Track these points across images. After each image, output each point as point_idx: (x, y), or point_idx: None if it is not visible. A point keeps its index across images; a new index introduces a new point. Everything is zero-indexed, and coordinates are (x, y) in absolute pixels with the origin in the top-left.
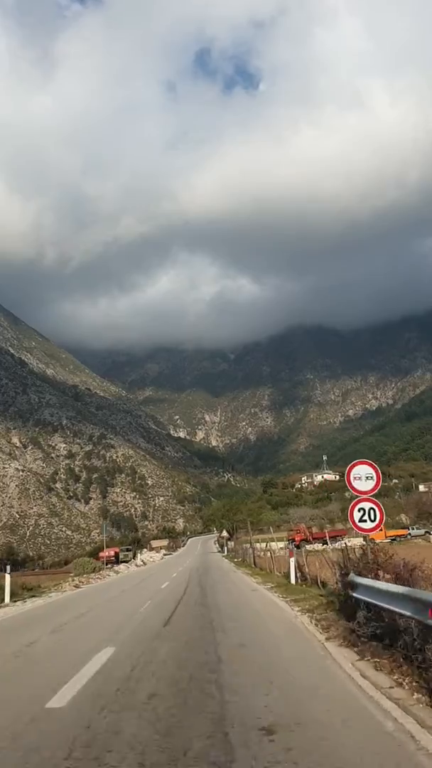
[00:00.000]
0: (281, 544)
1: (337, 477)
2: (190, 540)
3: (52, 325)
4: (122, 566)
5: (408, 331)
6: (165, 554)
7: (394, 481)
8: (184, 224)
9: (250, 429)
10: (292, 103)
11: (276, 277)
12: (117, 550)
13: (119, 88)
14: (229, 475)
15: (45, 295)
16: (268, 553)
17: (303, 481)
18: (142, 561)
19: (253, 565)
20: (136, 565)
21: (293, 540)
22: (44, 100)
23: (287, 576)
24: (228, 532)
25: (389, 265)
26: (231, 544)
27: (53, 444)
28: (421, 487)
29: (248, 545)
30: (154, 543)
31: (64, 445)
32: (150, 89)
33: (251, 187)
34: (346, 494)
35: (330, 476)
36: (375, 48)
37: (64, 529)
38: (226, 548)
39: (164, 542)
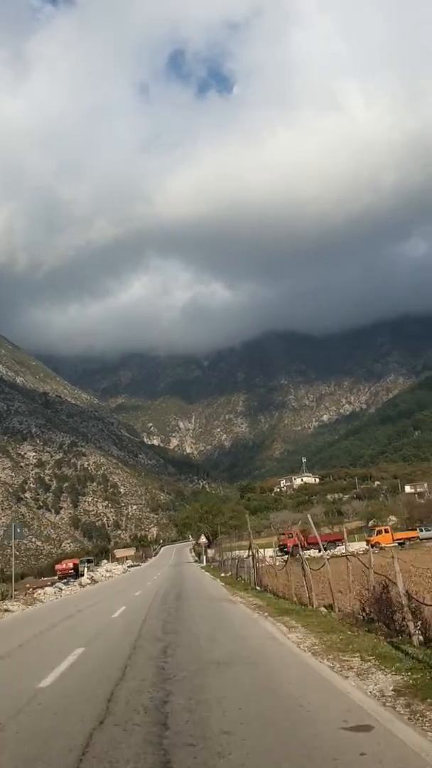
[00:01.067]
0: (269, 552)
1: (317, 480)
2: (163, 548)
3: (23, 332)
4: (74, 582)
5: (380, 335)
6: (131, 565)
7: (377, 483)
8: (158, 228)
9: (225, 435)
10: (266, 106)
11: (250, 282)
12: (76, 561)
13: (92, 90)
14: (205, 482)
15: (15, 300)
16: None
17: (282, 485)
18: (91, 578)
19: (256, 586)
20: (81, 585)
21: (284, 546)
22: (15, 103)
23: (330, 608)
24: (207, 537)
25: (362, 270)
26: (211, 552)
27: (22, 452)
28: (408, 488)
29: (245, 554)
30: (119, 552)
31: (34, 454)
32: (123, 91)
33: (226, 191)
34: (328, 497)
35: (309, 479)
36: (349, 49)
37: (33, 539)
38: (204, 557)
39: (130, 551)
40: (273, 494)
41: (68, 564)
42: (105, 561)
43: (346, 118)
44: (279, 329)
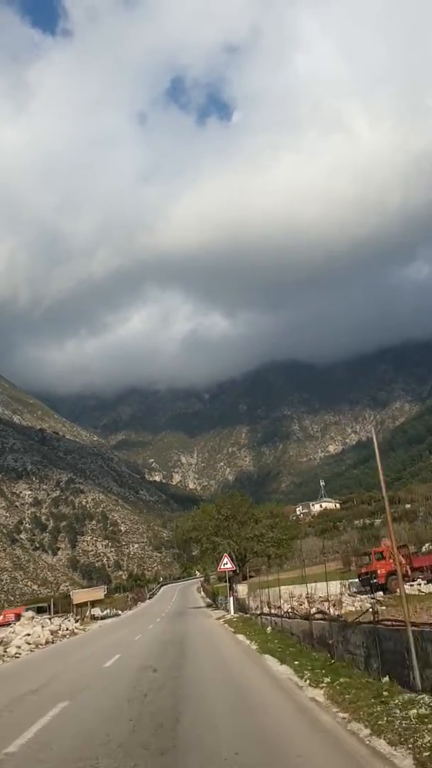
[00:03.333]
0: (334, 587)
1: (338, 505)
2: (163, 588)
3: (20, 371)
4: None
5: (384, 362)
6: (105, 616)
7: (407, 505)
8: (158, 260)
9: (228, 469)
10: (267, 131)
11: (249, 311)
12: (20, 611)
13: (92, 119)
14: None
15: (12, 338)
16: None
17: (298, 512)
18: None
19: None
20: None
21: (371, 576)
22: (14, 134)
23: None
24: (232, 559)
25: (363, 296)
26: (242, 590)
27: (17, 491)
28: None
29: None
30: (79, 596)
31: (30, 492)
32: (122, 121)
33: (228, 219)
34: (356, 523)
35: (329, 504)
36: (351, 70)
37: (29, 583)
38: (230, 599)
39: (97, 593)
40: (289, 522)
41: (9, 615)
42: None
43: (348, 140)
44: (280, 359)
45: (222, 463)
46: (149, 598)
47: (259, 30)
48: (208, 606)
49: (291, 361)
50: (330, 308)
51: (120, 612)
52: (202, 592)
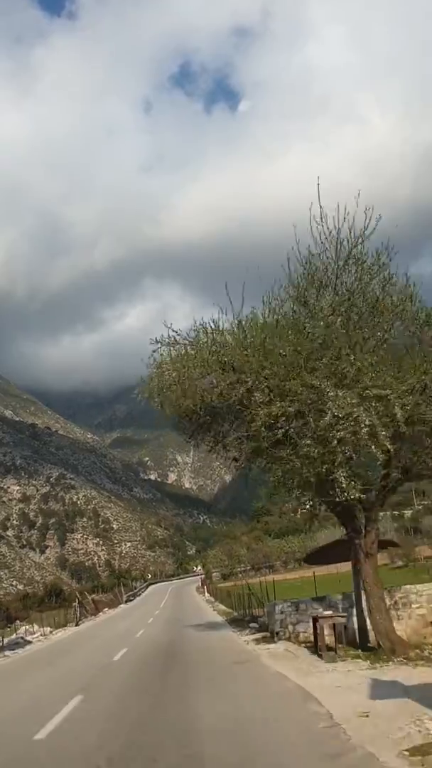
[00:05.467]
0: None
1: (359, 495)
2: (153, 587)
3: (14, 366)
4: None
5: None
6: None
7: None
8: (159, 252)
9: (224, 469)
10: (277, 120)
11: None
12: None
13: (96, 106)
14: (205, 516)
15: (8, 333)
16: None
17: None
18: None
19: None
20: None
21: None
22: (15, 120)
23: None
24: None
25: None
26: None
27: (5, 486)
28: None
29: None
30: None
31: (18, 488)
32: (127, 107)
33: (231, 210)
34: (380, 513)
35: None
36: (362, 59)
37: (14, 582)
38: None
39: None
40: (297, 517)
41: None
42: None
43: (360, 131)
44: None
45: (218, 463)
46: (126, 601)
47: (269, 13)
48: (236, 625)
49: None
50: None
51: (80, 623)
52: (207, 594)
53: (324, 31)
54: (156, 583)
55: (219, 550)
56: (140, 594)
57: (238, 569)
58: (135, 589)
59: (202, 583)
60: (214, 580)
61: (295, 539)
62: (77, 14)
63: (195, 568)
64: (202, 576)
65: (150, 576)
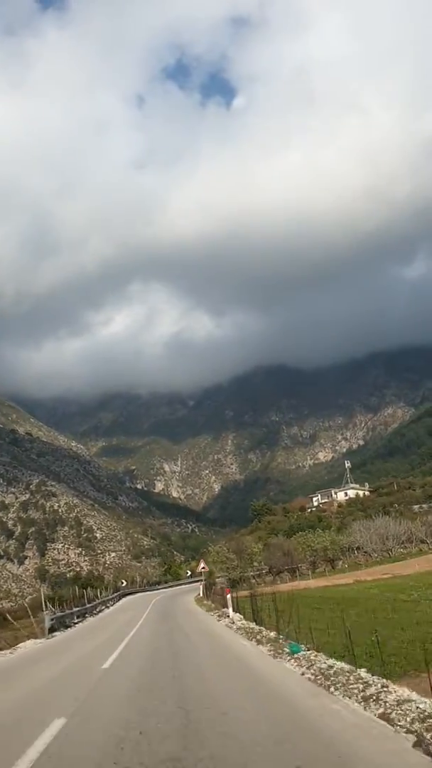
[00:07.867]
0: None
1: (367, 493)
2: (128, 599)
3: None
4: None
5: (375, 367)
6: None
7: None
8: (149, 253)
9: (213, 477)
10: (274, 115)
11: (238, 313)
12: None
13: (87, 101)
14: (194, 525)
15: None
16: None
17: (316, 502)
18: None
19: None
20: None
21: None
22: (2, 114)
23: None
24: None
25: (358, 298)
26: None
27: None
28: None
29: None
30: None
31: None
32: (118, 102)
33: (225, 209)
34: (415, 508)
35: (357, 490)
36: (363, 50)
37: None
38: None
39: None
40: (307, 514)
41: None
42: None
43: (361, 125)
44: (268, 363)
45: (207, 471)
46: (74, 622)
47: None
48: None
49: (279, 366)
50: (321, 310)
51: None
52: (231, 612)
53: (323, 23)
54: (143, 591)
55: (224, 545)
56: (102, 610)
57: (250, 572)
58: (103, 602)
59: (203, 590)
60: (218, 583)
61: (325, 534)
62: (68, 5)
63: (188, 572)
64: (200, 583)
65: (124, 583)
